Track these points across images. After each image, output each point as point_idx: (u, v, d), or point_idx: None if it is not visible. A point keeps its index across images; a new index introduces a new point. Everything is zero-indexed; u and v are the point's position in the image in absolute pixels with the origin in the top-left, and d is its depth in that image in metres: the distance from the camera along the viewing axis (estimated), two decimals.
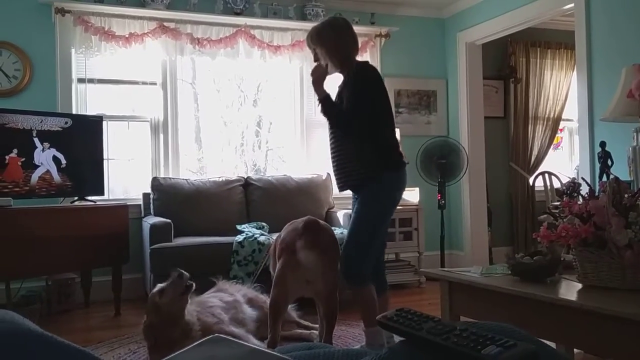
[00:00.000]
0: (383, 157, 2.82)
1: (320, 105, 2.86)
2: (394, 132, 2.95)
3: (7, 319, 0.71)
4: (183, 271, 2.74)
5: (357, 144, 2.81)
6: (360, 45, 3.10)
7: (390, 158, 2.85)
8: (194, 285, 2.75)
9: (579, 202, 2.03)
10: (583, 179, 2.38)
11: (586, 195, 2.01)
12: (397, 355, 0.79)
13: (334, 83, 2.98)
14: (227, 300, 3.10)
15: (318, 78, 2.89)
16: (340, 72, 2.95)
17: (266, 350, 0.95)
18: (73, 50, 4.58)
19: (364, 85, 2.79)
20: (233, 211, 4.65)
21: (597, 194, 2.03)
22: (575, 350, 2.56)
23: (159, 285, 2.78)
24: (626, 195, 1.90)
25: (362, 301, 2.84)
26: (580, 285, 1.99)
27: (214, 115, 5.34)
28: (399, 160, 2.89)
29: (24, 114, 3.97)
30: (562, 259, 2.17)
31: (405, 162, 2.93)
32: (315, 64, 2.96)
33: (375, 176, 2.80)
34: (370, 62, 4.52)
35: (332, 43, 2.89)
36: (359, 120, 2.75)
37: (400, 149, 2.98)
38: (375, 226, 2.86)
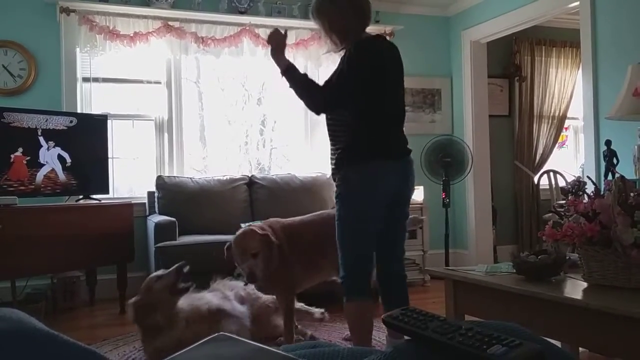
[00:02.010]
0: (353, 144, 2.45)
1: (283, 77, 2.48)
2: (384, 116, 2.51)
3: (14, 317, 0.71)
4: (185, 267, 2.81)
5: (336, 129, 2.53)
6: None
7: (362, 145, 2.45)
8: (191, 287, 2.83)
9: (584, 201, 2.03)
10: (588, 177, 2.37)
11: (592, 194, 2.01)
12: (402, 355, 0.79)
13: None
14: (219, 297, 3.14)
15: (278, 45, 2.51)
16: (344, 49, 2.52)
17: (271, 348, 0.95)
18: (78, 50, 4.59)
19: (359, 60, 2.41)
20: (237, 210, 4.65)
21: (602, 192, 2.02)
22: (580, 349, 2.55)
23: (161, 271, 2.90)
24: (632, 194, 1.89)
25: (349, 317, 2.57)
26: (585, 284, 1.99)
27: (218, 114, 5.34)
28: (377, 149, 2.46)
29: (29, 113, 3.98)
30: (567, 257, 2.16)
31: (390, 152, 2.50)
32: (271, 30, 2.58)
33: (339, 169, 2.49)
34: None
35: (331, 17, 2.52)
36: (338, 98, 2.42)
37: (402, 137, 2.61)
38: (349, 224, 2.48)
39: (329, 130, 2.61)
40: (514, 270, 2.17)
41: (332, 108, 2.52)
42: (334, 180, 2.56)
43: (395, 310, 0.88)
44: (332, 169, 2.56)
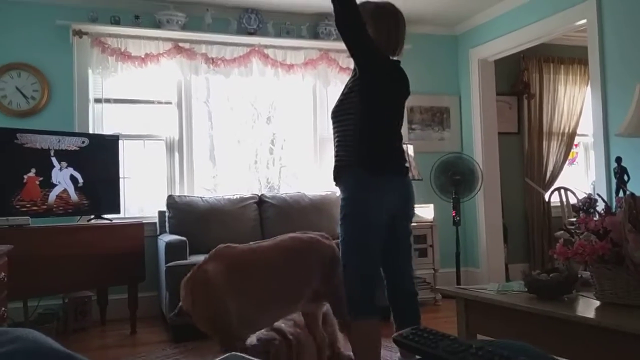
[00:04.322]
0: (364, 148, 2.48)
1: None
2: (388, 131, 2.57)
3: (30, 337, 0.72)
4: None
5: (345, 129, 2.55)
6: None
7: (372, 153, 2.49)
8: None
9: (595, 218, 2.02)
10: (599, 195, 2.36)
11: (602, 212, 2.00)
12: None
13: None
14: None
15: None
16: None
17: None
18: (90, 71, 4.66)
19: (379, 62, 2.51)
20: (247, 228, 4.66)
21: (613, 209, 2.02)
22: None
23: None
24: None
25: (355, 337, 2.54)
26: (597, 303, 1.97)
27: (228, 133, 5.38)
28: (376, 165, 2.49)
29: (42, 133, 4.03)
30: (579, 275, 2.15)
31: (393, 169, 2.55)
32: None
33: (339, 179, 2.56)
34: None
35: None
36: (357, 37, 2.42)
37: (407, 162, 2.66)
38: (348, 240, 2.50)
39: (334, 133, 2.63)
40: (526, 289, 2.16)
41: (343, 29, 2.44)
42: (335, 183, 2.62)
43: (406, 329, 0.88)
44: (333, 174, 2.61)
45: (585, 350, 1.84)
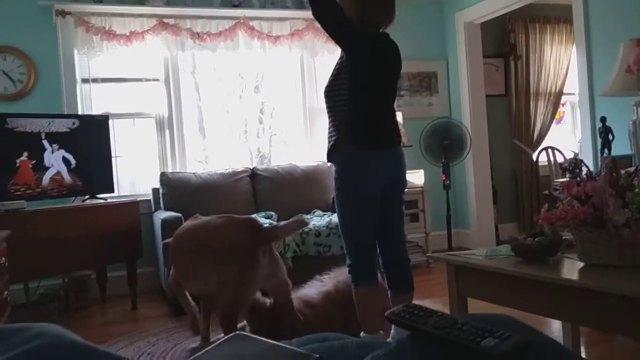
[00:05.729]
0: (356, 125, 2.55)
1: None
2: (379, 106, 2.62)
3: (52, 332, 0.78)
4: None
5: (334, 113, 2.62)
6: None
7: (354, 134, 2.54)
8: None
9: (578, 179, 2.09)
10: (582, 161, 2.44)
11: (584, 177, 2.07)
12: (404, 348, 0.86)
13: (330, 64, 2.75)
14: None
15: None
16: None
17: (286, 345, 1.03)
18: (75, 51, 4.63)
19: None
20: (241, 202, 4.73)
21: (599, 168, 2.08)
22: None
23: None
24: (623, 174, 1.95)
25: (357, 303, 2.65)
26: (581, 264, 2.06)
27: (217, 104, 5.39)
28: (367, 139, 2.56)
29: (31, 117, 4.04)
30: (563, 238, 2.22)
31: (379, 142, 2.60)
32: None
33: (332, 155, 2.63)
34: None
35: (346, 5, 2.50)
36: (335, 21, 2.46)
37: (400, 130, 2.72)
38: (345, 213, 2.61)
39: (327, 112, 2.67)
40: (513, 253, 2.24)
41: (321, 18, 2.49)
42: (329, 161, 2.69)
43: (398, 306, 0.95)
44: (327, 152, 2.66)
45: (570, 309, 1.93)
